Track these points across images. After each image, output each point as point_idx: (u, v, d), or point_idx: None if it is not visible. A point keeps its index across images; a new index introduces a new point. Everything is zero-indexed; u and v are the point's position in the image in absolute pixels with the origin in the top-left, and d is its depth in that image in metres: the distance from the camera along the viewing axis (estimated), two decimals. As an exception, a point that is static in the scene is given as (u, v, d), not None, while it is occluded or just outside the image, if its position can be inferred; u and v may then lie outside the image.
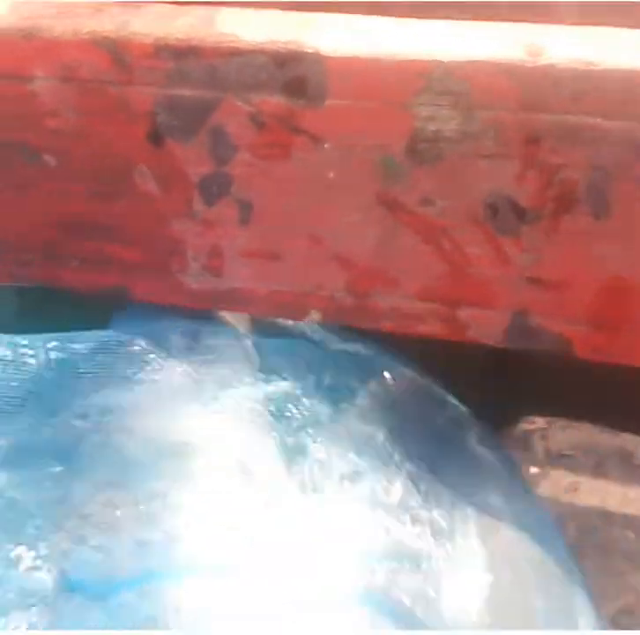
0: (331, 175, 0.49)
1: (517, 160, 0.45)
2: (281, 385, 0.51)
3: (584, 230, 0.47)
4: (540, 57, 0.42)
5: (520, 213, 0.47)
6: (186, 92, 0.49)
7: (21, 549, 0.42)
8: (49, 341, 0.49)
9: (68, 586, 0.41)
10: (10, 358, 0.48)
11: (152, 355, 0.51)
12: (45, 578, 0.41)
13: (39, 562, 0.42)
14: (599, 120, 0.43)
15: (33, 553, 0.42)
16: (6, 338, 0.48)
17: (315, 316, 0.54)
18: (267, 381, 0.51)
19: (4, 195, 0.56)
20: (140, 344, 0.52)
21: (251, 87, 0.47)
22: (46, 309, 0.68)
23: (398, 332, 0.54)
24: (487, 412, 0.61)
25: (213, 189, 0.52)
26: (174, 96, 0.49)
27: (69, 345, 0.49)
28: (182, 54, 0.47)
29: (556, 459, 0.59)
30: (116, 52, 0.48)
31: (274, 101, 0.47)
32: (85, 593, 0.41)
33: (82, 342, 0.51)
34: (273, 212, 0.52)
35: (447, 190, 0.47)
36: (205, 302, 0.57)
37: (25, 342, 0.48)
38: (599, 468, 0.58)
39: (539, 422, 0.60)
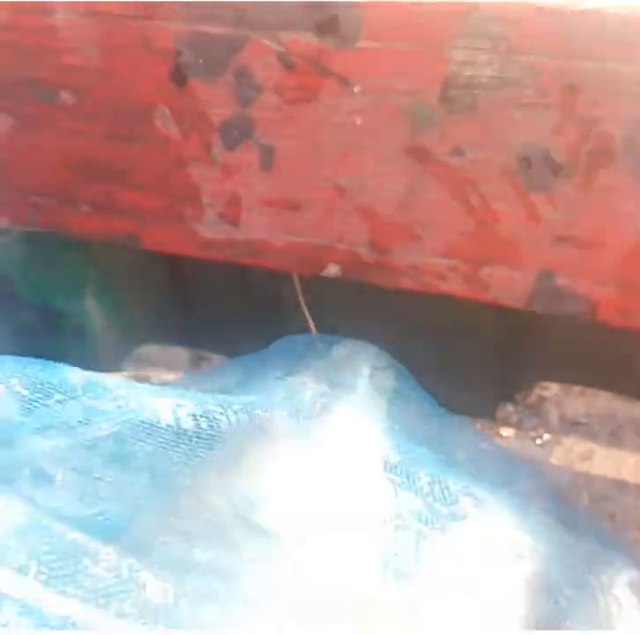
0: (359, 121, 0.47)
1: (554, 110, 0.44)
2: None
3: (619, 188, 0.45)
4: (586, 1, 0.40)
5: (554, 168, 0.45)
6: (212, 29, 0.47)
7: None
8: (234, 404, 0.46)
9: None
10: (201, 413, 0.45)
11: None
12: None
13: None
14: (643, 69, 0.41)
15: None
16: (193, 396, 0.46)
17: (333, 270, 0.53)
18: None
19: (18, 134, 0.54)
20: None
21: (281, 26, 0.46)
22: (52, 257, 0.67)
23: (416, 289, 0.53)
24: (503, 377, 0.59)
25: (235, 132, 0.50)
26: (199, 33, 0.47)
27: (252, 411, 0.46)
28: (211, -13, 0.46)
29: (571, 427, 0.58)
30: (142, -16, 0.47)
31: (304, 41, 0.46)
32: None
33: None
34: (296, 159, 0.50)
35: (480, 141, 0.46)
36: (220, 252, 0.55)
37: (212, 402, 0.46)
38: (614, 437, 0.57)
39: (555, 388, 0.58)
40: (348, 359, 0.51)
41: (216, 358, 0.78)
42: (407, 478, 0.45)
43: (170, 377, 0.70)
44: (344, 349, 0.52)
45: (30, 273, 0.68)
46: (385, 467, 0.45)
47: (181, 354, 0.77)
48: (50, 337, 0.69)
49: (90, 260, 0.69)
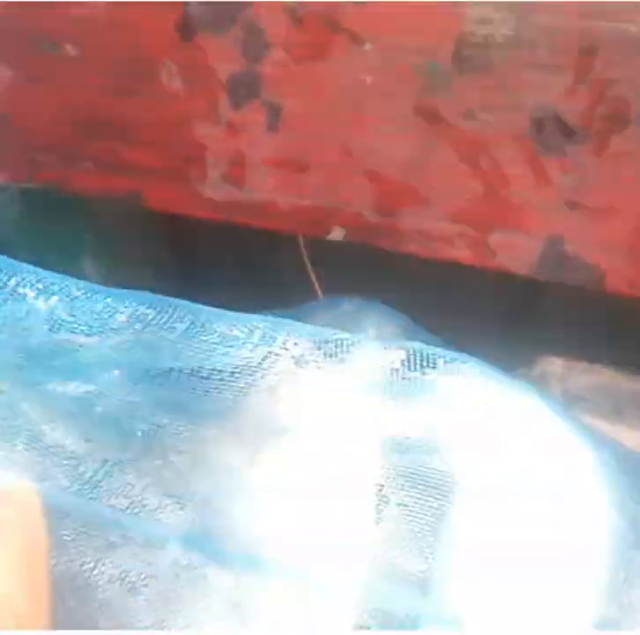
0: (369, 80, 0.46)
1: (569, 71, 0.43)
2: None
3: (632, 154, 0.44)
4: (607, -42, 0.40)
5: (567, 131, 0.45)
6: (222, -19, 0.46)
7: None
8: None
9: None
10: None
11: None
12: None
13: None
14: (662, 31, 0.40)
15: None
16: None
17: (338, 233, 0.52)
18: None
19: (19, 87, 0.53)
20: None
21: (292, -21, 0.45)
22: (49, 216, 0.66)
23: (422, 254, 0.52)
24: (506, 351, 0.59)
25: (242, 90, 0.49)
26: (208, -15, 0.46)
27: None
28: (222, -63, 0.45)
29: (574, 402, 0.57)
30: None
31: (316, -5, 0.45)
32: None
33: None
34: (304, 119, 0.49)
35: (492, 102, 0.45)
36: (223, 212, 0.54)
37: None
38: (616, 413, 0.57)
39: (558, 363, 0.58)
40: (352, 315, 0.51)
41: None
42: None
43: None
44: (349, 307, 0.51)
45: (27, 233, 0.67)
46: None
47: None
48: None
49: (88, 220, 0.68)
